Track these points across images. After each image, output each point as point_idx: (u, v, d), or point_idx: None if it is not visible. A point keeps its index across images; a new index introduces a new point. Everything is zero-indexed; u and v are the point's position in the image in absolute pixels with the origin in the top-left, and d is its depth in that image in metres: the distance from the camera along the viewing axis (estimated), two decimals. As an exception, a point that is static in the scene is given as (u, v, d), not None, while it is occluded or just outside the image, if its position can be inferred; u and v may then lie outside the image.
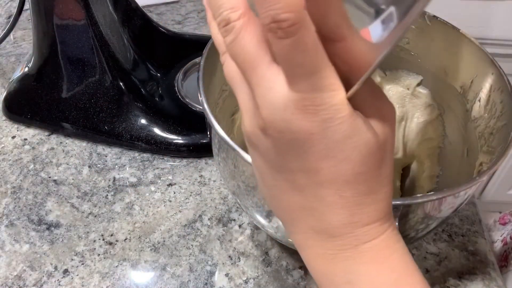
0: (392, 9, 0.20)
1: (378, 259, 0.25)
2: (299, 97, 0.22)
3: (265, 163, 0.26)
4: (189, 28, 0.76)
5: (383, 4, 0.21)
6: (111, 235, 0.50)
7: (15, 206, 0.53)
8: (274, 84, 0.23)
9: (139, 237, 0.50)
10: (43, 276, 0.47)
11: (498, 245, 0.77)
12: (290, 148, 0.24)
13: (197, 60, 0.64)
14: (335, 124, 0.23)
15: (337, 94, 0.22)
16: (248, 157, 0.33)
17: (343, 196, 0.24)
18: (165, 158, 0.58)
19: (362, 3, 0.21)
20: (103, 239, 0.50)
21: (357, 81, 0.23)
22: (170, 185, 0.55)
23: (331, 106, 0.22)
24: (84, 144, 0.59)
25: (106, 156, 0.58)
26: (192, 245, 0.50)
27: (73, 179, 0.55)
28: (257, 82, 0.23)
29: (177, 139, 0.57)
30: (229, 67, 0.25)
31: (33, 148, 0.58)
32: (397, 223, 0.34)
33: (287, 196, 0.26)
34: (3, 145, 0.59)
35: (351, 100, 0.23)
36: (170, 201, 0.53)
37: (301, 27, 0.21)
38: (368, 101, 0.24)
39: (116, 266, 0.48)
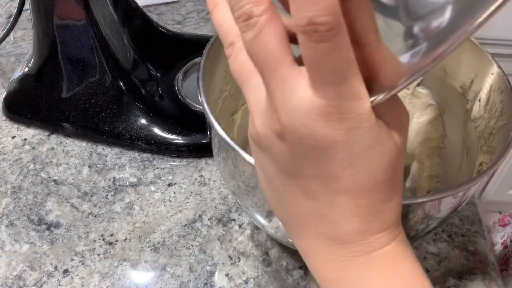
0: (424, 44, 0.20)
1: (389, 266, 0.25)
2: (325, 104, 0.21)
3: (276, 167, 0.25)
4: (189, 28, 0.76)
5: (421, 36, 0.20)
6: (111, 235, 0.50)
7: (15, 206, 0.53)
8: (297, 88, 0.22)
9: (139, 237, 0.50)
10: (43, 276, 0.47)
11: (498, 248, 0.77)
12: (308, 155, 0.23)
13: (197, 60, 0.64)
14: (361, 133, 0.22)
15: (364, 103, 0.22)
16: (248, 157, 0.33)
17: (359, 204, 0.24)
18: (165, 158, 0.58)
19: (403, 31, 0.21)
20: (103, 239, 0.50)
21: (381, 88, 0.22)
22: (170, 185, 0.55)
23: (358, 115, 0.22)
24: (84, 144, 0.59)
25: (106, 156, 0.58)
26: (192, 245, 0.50)
27: (73, 179, 0.55)
28: (277, 85, 0.22)
29: (177, 139, 0.57)
30: (239, 62, 0.24)
31: (33, 148, 0.58)
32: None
33: (297, 201, 0.25)
34: (3, 145, 0.59)
35: (376, 109, 0.23)
36: (170, 201, 0.53)
37: (338, 32, 0.20)
38: (387, 108, 0.23)
39: (116, 266, 0.48)
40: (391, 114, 0.24)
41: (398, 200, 0.25)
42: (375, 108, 0.23)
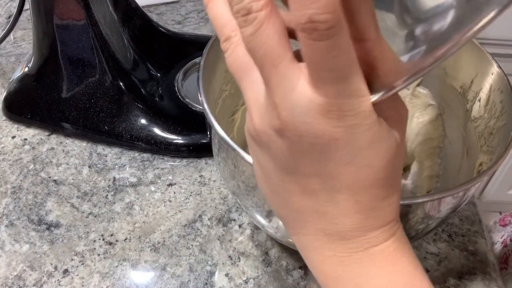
0: (424, 47, 0.20)
1: (388, 261, 0.25)
2: (325, 102, 0.21)
3: (274, 164, 0.25)
4: (189, 28, 0.76)
5: (422, 38, 0.20)
6: (111, 235, 0.50)
7: (15, 206, 0.53)
8: (297, 85, 0.21)
9: (139, 237, 0.50)
10: (43, 276, 0.47)
11: (498, 247, 0.77)
12: (308, 152, 0.23)
13: (197, 60, 0.64)
14: (362, 131, 0.22)
15: (365, 101, 0.22)
16: (248, 157, 0.33)
17: (359, 201, 0.24)
18: (165, 158, 0.58)
19: (404, 33, 0.21)
20: (103, 239, 0.50)
21: (381, 85, 0.22)
22: (170, 185, 0.55)
23: (359, 113, 0.21)
24: (84, 144, 0.59)
25: (106, 156, 0.58)
26: (192, 245, 0.50)
27: (73, 179, 0.55)
28: (277, 81, 0.22)
29: (177, 139, 0.57)
30: (236, 57, 0.24)
31: (33, 148, 0.58)
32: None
33: (295, 198, 0.25)
34: (3, 145, 0.59)
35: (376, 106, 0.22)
36: (170, 201, 0.53)
37: (338, 30, 0.19)
38: (387, 104, 0.23)
39: (116, 266, 0.48)
40: (391, 110, 0.24)
41: (397, 197, 0.25)
42: (375, 104, 0.22)
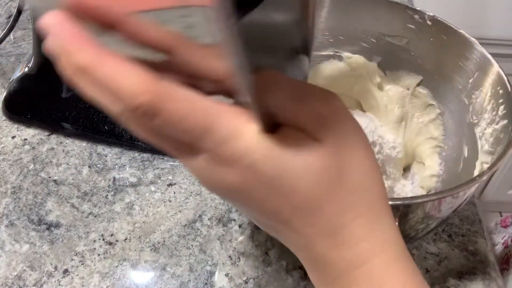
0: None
1: (379, 282, 0.23)
2: (210, 156, 0.21)
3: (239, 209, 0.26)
4: (189, 28, 0.76)
5: None
6: (111, 235, 0.50)
7: (15, 206, 0.53)
8: (189, 151, 0.22)
9: (139, 237, 0.50)
10: (43, 276, 0.47)
11: (499, 248, 0.77)
12: (236, 200, 0.23)
13: (197, 60, 0.64)
14: (259, 165, 0.21)
15: (242, 137, 0.20)
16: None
17: (315, 224, 0.22)
18: (165, 158, 0.58)
19: None
20: (103, 239, 0.50)
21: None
22: (170, 185, 0.55)
23: (243, 151, 0.20)
24: (84, 144, 0.59)
25: (106, 156, 0.58)
26: (192, 245, 0.50)
27: (73, 179, 0.55)
28: (176, 155, 0.23)
29: (177, 139, 0.57)
30: None
31: (33, 148, 0.58)
32: (397, 223, 0.34)
33: (273, 234, 0.25)
34: (3, 145, 0.59)
35: (281, 118, 0.21)
36: (170, 201, 0.53)
37: (161, 104, 0.19)
38: (297, 109, 0.21)
39: (116, 266, 0.48)
40: (305, 113, 0.21)
41: (370, 203, 0.23)
42: (283, 116, 0.21)
